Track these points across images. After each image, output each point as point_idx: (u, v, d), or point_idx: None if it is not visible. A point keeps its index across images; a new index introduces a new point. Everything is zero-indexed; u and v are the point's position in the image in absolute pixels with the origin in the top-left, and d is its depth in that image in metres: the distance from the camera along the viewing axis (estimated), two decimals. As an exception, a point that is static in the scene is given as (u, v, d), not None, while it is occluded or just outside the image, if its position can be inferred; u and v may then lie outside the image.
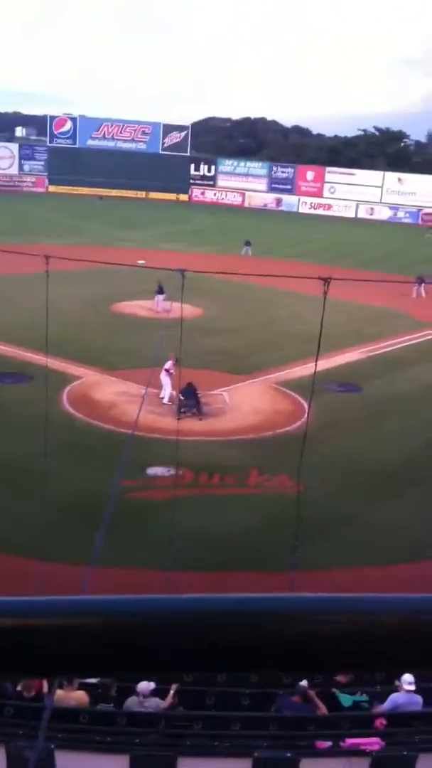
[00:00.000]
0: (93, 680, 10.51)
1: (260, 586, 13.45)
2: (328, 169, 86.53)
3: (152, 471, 18.32)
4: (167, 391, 22.41)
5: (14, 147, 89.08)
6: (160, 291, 32.99)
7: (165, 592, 0.92)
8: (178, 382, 21.02)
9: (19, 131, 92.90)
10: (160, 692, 10.54)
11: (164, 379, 22.45)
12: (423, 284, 39.44)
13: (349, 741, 10.12)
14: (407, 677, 10.31)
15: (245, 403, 23.40)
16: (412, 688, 10.33)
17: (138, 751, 9.29)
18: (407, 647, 0.92)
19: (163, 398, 22.44)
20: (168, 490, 16.82)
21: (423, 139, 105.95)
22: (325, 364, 22.51)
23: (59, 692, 9.62)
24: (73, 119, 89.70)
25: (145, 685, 10.12)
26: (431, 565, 14.92)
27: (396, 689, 10.56)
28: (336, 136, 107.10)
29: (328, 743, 10.24)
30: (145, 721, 10.18)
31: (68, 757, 9.04)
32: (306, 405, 22.45)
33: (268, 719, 10.75)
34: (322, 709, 10.74)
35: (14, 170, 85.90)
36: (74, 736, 9.38)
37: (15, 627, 0.85)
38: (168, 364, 22.29)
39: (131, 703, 10.25)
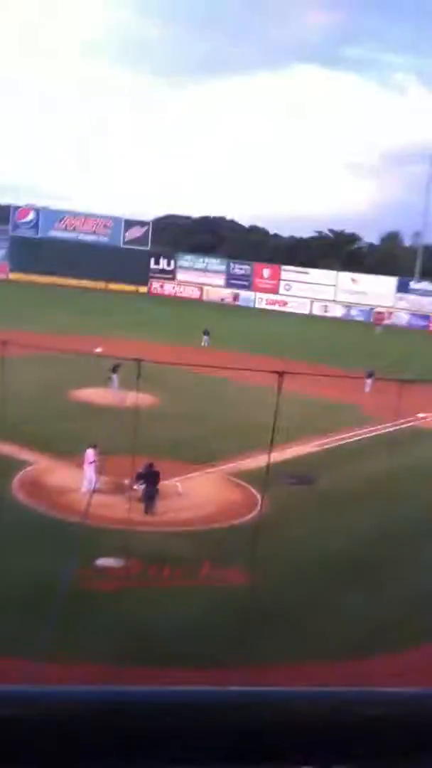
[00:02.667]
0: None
1: (211, 681, 13.07)
2: (284, 267, 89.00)
3: (102, 562, 17.94)
4: (91, 480, 21.99)
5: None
6: (114, 371, 33.26)
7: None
8: (102, 470, 20.76)
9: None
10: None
11: (87, 469, 22.14)
12: (372, 378, 40.27)
13: None
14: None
15: (198, 494, 23.26)
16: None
17: None
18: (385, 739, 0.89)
19: (86, 489, 22.01)
20: (117, 581, 16.49)
21: (376, 242, 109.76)
22: (278, 455, 22.61)
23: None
24: (37, 210, 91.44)
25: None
26: (380, 662, 14.70)
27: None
28: (292, 237, 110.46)
29: None
30: None
31: None
32: (259, 496, 22.42)
33: None
34: None
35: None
36: None
37: None
38: (89, 454, 22.09)
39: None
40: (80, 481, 22.28)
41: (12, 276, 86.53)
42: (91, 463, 22.07)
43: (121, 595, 15.21)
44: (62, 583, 14.53)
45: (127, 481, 21.68)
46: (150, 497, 21.32)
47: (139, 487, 21.40)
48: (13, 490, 21.69)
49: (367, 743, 0.89)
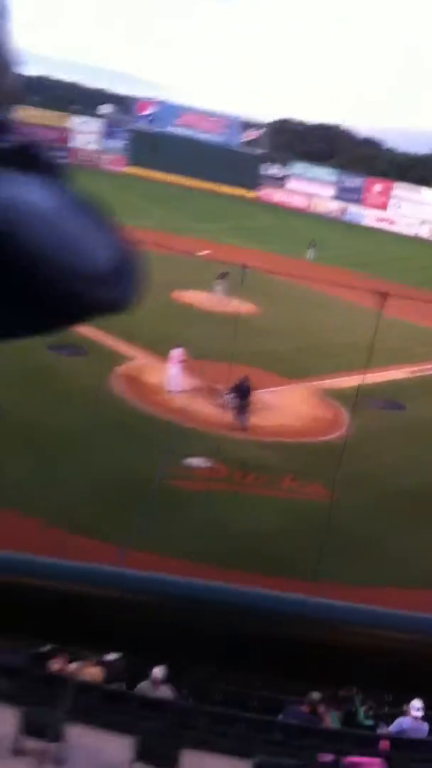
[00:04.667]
0: (110, 658, 10.63)
1: (282, 589, 13.43)
2: (397, 184, 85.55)
3: (189, 461, 18.40)
4: (176, 380, 22.56)
5: (97, 124, 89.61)
6: (223, 276, 33.11)
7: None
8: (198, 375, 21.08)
9: (103, 109, 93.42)
10: (172, 680, 10.61)
11: (173, 368, 22.60)
12: None
13: (350, 758, 10.10)
14: (416, 703, 10.24)
15: (287, 407, 23.34)
16: (420, 714, 10.26)
17: (143, 735, 9.37)
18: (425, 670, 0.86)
19: (171, 390, 22.57)
20: (202, 482, 16.92)
21: None
22: (371, 378, 22.40)
23: (76, 665, 9.76)
24: (157, 104, 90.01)
25: (159, 671, 10.20)
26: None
27: (404, 713, 10.50)
28: (407, 153, 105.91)
29: (330, 757, 10.23)
30: (154, 707, 10.27)
31: (75, 730, 9.16)
32: (347, 416, 22.39)
33: (274, 725, 10.77)
34: (328, 723, 10.74)
35: (94, 147, 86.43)
36: (85, 710, 9.50)
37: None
38: (176, 354, 22.46)
39: (143, 686, 10.34)
40: (171, 381, 22.75)
41: (128, 169, 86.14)
42: (179, 362, 22.42)
43: (205, 496, 15.63)
44: (150, 477, 15.03)
45: (220, 386, 21.94)
46: (241, 410, 21.49)
47: (231, 399, 21.59)
48: (114, 382, 22.27)
49: (380, 669, 0.85)
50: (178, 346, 22.56)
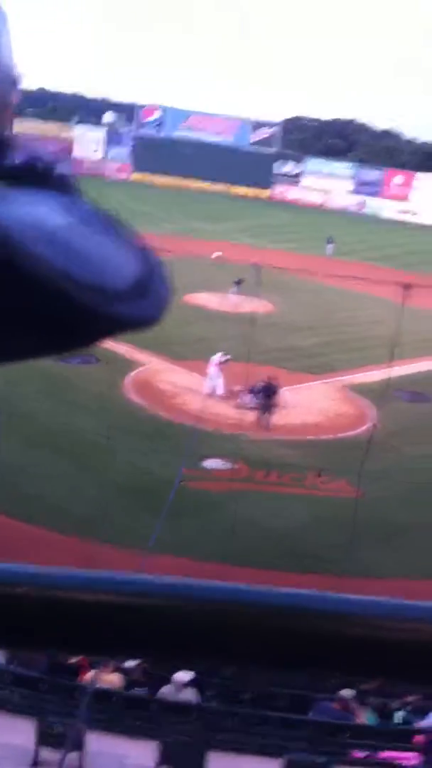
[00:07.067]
0: (129, 665, 10.53)
1: (311, 586, 13.24)
2: (418, 174, 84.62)
3: (209, 463, 18.27)
4: (216, 383, 22.44)
5: (101, 133, 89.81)
6: (238, 283, 32.93)
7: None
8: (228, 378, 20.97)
9: (107, 117, 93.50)
10: (196, 683, 10.47)
11: (213, 371, 22.49)
12: None
13: (385, 753, 9.90)
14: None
15: (309, 404, 23.11)
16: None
17: (168, 739, 9.24)
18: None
19: (210, 392, 22.45)
20: (224, 482, 16.78)
21: None
22: (396, 371, 22.12)
23: (94, 673, 9.67)
24: (162, 109, 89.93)
25: (182, 675, 10.07)
26: None
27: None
28: (428, 142, 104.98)
29: (363, 753, 10.03)
30: (178, 711, 10.14)
31: (98, 738, 9.06)
32: (372, 410, 22.12)
33: (304, 722, 10.59)
34: (361, 719, 10.54)
35: (99, 155, 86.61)
36: (106, 718, 9.41)
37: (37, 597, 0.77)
38: (218, 357, 22.35)
39: (166, 691, 10.21)
40: (195, 384, 22.67)
41: (134, 176, 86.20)
42: (217, 366, 22.35)
43: (228, 496, 15.49)
44: (169, 480, 14.94)
45: (238, 388, 21.78)
46: (265, 410, 21.28)
47: (256, 399, 21.37)
48: (126, 389, 22.22)
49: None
50: (224, 352, 22.39)
